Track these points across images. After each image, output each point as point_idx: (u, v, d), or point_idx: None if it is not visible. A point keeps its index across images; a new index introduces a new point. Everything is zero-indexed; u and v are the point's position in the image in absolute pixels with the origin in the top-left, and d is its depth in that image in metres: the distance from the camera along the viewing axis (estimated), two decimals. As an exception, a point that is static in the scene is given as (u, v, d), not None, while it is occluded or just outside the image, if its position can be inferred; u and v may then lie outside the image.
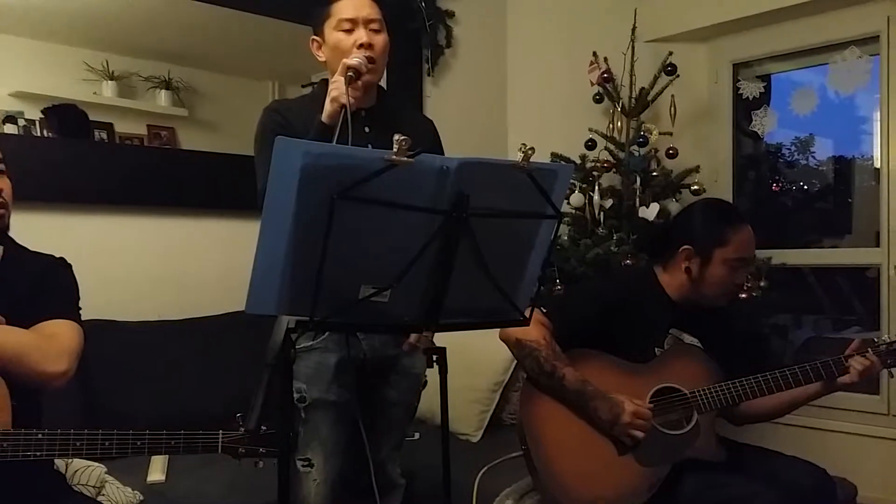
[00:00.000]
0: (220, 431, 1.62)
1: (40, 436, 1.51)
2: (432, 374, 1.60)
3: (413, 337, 1.90)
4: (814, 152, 3.67)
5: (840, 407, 2.52)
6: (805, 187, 3.78)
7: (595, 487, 1.96)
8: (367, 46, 1.87)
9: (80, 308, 1.76)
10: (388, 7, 2.00)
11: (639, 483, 1.95)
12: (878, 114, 3.16)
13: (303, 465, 1.93)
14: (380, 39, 1.91)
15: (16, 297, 1.62)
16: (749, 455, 2.10)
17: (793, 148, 3.70)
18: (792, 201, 3.81)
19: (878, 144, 3.19)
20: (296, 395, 1.89)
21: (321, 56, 1.97)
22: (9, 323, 1.58)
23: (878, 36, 3.12)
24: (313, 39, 1.97)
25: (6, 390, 1.53)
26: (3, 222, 1.65)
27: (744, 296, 2.66)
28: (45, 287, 1.70)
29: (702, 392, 2.02)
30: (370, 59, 1.86)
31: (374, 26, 1.91)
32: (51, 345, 1.60)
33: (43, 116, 2.62)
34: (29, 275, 1.70)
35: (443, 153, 1.96)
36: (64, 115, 2.67)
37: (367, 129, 1.89)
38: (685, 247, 2.08)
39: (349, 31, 1.88)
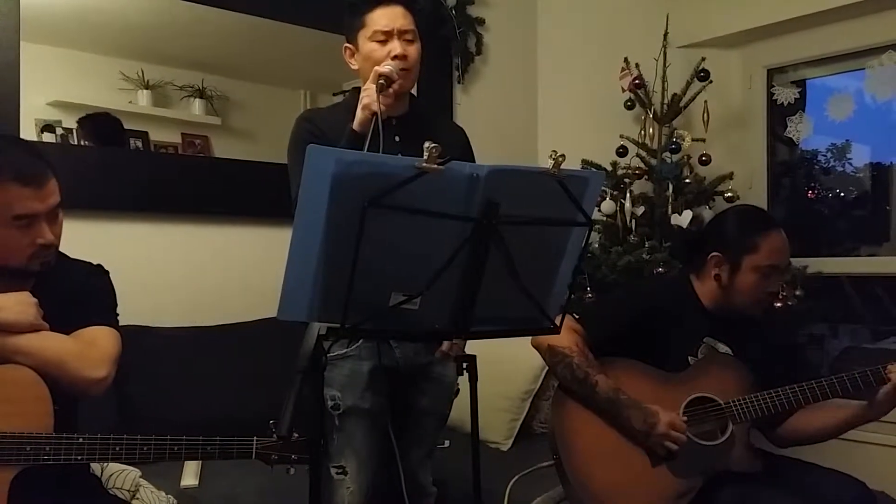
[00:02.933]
0: (255, 438, 1.64)
1: (81, 440, 1.55)
2: (462, 382, 1.60)
3: (445, 345, 1.90)
4: (850, 159, 3.60)
5: (880, 419, 2.45)
6: (842, 194, 3.71)
7: (628, 498, 1.94)
8: (402, 58, 1.88)
9: (117, 314, 1.78)
10: (419, 16, 2.01)
11: (672, 494, 1.93)
12: (917, 119, 3.10)
13: (336, 473, 1.93)
14: (413, 50, 1.92)
15: (57, 305, 1.65)
16: (786, 467, 2.06)
17: (829, 154, 3.64)
18: (828, 209, 3.75)
19: (917, 150, 3.13)
20: (330, 403, 1.90)
21: (354, 64, 1.98)
22: (50, 329, 1.61)
23: (917, 40, 3.06)
24: (346, 47, 1.99)
25: (49, 395, 1.56)
26: (48, 261, 1.68)
27: (779, 304, 2.62)
28: (85, 294, 1.74)
29: (737, 402, 1.99)
30: (404, 70, 1.87)
31: (408, 37, 1.92)
32: (91, 351, 1.63)
33: (79, 126, 2.67)
34: (69, 282, 1.73)
35: (474, 162, 1.96)
36: (99, 124, 2.72)
37: (397, 139, 1.89)
38: (714, 254, 2.05)
39: (383, 42, 1.89)
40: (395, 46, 1.89)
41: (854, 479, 1.99)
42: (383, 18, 1.90)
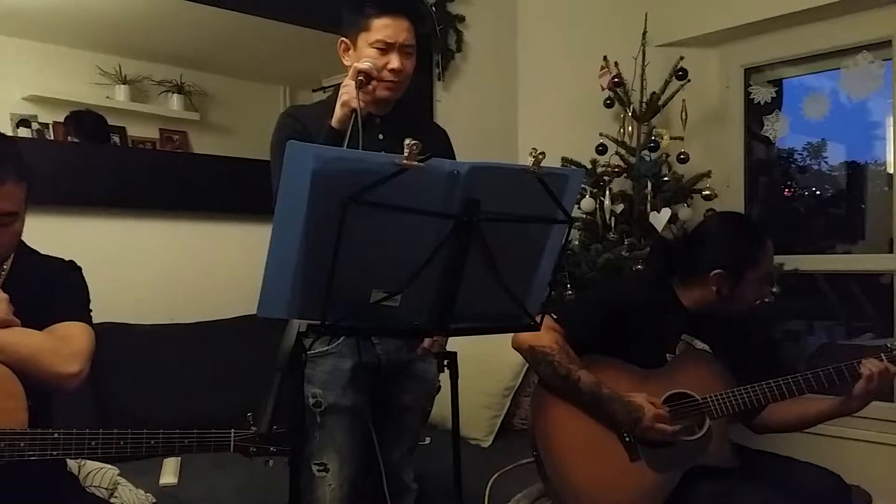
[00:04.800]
0: (233, 431, 1.63)
1: (56, 435, 1.53)
2: (443, 379, 1.60)
3: (426, 342, 1.90)
4: (826, 157, 3.65)
5: (855, 414, 2.49)
6: (817, 193, 3.75)
7: (606, 493, 1.95)
8: (398, 72, 1.88)
9: (90, 310, 1.77)
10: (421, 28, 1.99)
11: (651, 489, 1.94)
12: (891, 119, 3.14)
13: (318, 470, 1.93)
14: (409, 64, 1.92)
15: (29, 300, 1.63)
16: (763, 461, 2.09)
17: (805, 153, 3.68)
18: (804, 207, 3.79)
19: (890, 150, 3.18)
20: (311, 400, 1.90)
21: (347, 60, 1.95)
22: (22, 325, 1.59)
23: (891, 41, 3.10)
24: (342, 42, 1.96)
25: (22, 391, 1.54)
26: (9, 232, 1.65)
27: (757, 302, 2.65)
28: (57, 290, 1.72)
29: (714, 398, 2.01)
30: (395, 83, 1.88)
31: (408, 50, 1.91)
32: (64, 346, 1.62)
33: (63, 122, 2.65)
34: (40, 278, 1.71)
35: (455, 163, 1.97)
36: (86, 121, 2.70)
37: (381, 136, 1.89)
38: (717, 271, 2.06)
39: (383, 52, 1.88)
40: (394, 60, 1.87)
41: (828, 472, 2.03)
42: (389, 29, 1.87)
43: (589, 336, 2.07)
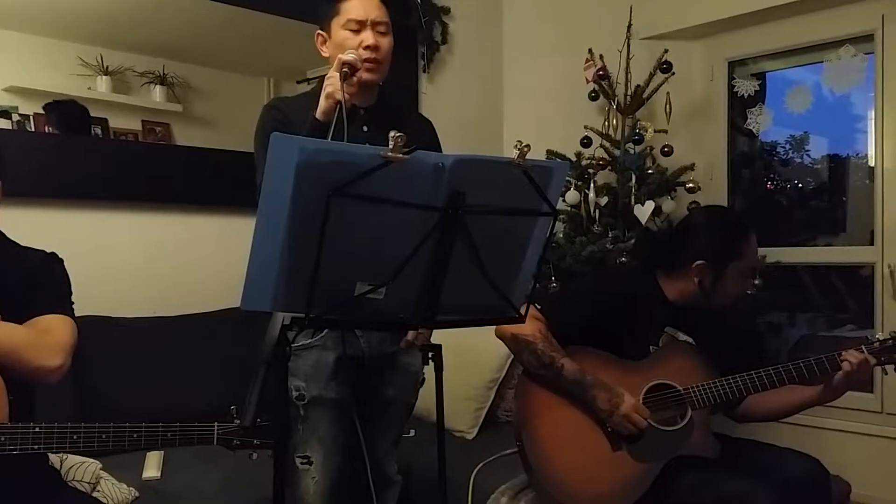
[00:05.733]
0: (216, 424, 1.63)
1: (38, 429, 1.52)
2: (428, 372, 1.60)
3: (411, 334, 1.91)
4: (808, 150, 3.67)
5: (834, 405, 2.53)
6: (800, 185, 3.78)
7: (589, 484, 1.96)
8: (374, 48, 1.87)
9: (72, 302, 1.76)
10: (392, 8, 1.99)
11: (633, 479, 1.96)
12: (873, 112, 3.16)
13: (301, 463, 1.93)
14: (385, 42, 1.91)
15: (9, 293, 1.62)
16: (744, 450, 2.11)
17: (788, 146, 3.71)
18: (787, 199, 3.82)
19: (872, 143, 3.20)
20: (295, 393, 1.89)
21: (325, 52, 1.96)
22: (3, 318, 1.58)
23: (873, 35, 3.12)
24: (318, 34, 1.96)
25: (2, 385, 1.53)
26: None
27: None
28: (38, 282, 1.70)
29: (695, 388, 2.02)
30: (374, 62, 1.86)
31: (381, 29, 1.91)
32: (46, 340, 1.60)
33: (43, 112, 2.61)
34: (21, 270, 1.70)
35: (441, 154, 1.96)
36: (65, 112, 2.67)
37: (365, 128, 1.89)
38: (700, 262, 2.07)
39: (356, 32, 1.88)
40: (368, 37, 1.88)
41: (808, 456, 2.06)
42: (358, 8, 1.89)
43: (572, 327, 2.08)
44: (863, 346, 1.99)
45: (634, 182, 3.21)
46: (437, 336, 1.59)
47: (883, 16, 3.09)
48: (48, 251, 1.78)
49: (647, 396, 2.02)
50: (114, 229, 2.73)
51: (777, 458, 2.06)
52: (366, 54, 1.86)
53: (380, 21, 1.90)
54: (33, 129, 2.61)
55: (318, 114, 1.78)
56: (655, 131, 3.32)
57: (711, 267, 2.07)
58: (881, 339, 2.00)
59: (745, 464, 2.02)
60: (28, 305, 1.64)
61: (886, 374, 2.10)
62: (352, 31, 1.88)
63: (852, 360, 1.96)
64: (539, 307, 2.08)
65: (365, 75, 1.87)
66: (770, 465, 2.02)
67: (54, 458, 1.91)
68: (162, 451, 2.24)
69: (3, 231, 1.74)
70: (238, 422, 1.62)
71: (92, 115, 2.74)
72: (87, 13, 2.71)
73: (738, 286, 2.11)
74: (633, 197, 3.20)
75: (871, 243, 3.17)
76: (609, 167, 3.31)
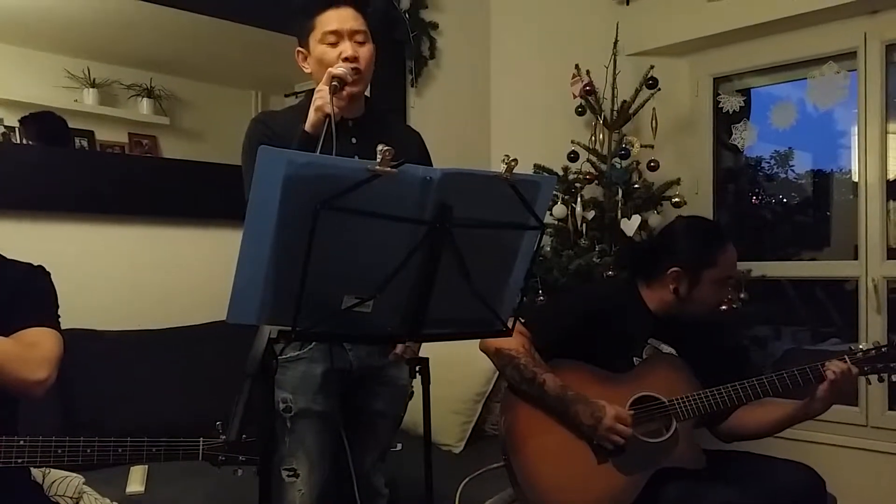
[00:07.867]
0: (202, 439, 1.62)
1: (22, 442, 1.51)
2: (415, 385, 1.60)
3: (399, 348, 1.90)
4: (793, 166, 3.71)
5: (820, 418, 2.55)
6: (784, 200, 3.82)
7: (574, 497, 1.96)
8: (353, 59, 1.88)
9: (59, 315, 1.74)
10: (372, 18, 2.00)
11: (618, 491, 1.96)
12: (856, 128, 3.20)
13: (288, 475, 1.91)
14: (365, 51, 1.92)
15: (-5, 306, 1.61)
16: (730, 460, 2.12)
17: (772, 161, 3.74)
18: (771, 214, 3.85)
19: (855, 158, 3.23)
20: (281, 405, 1.88)
21: (307, 68, 1.97)
22: (-13, 331, 1.57)
23: (856, 52, 3.16)
24: (298, 51, 1.98)
25: (-15, 399, 1.52)
26: None
27: (724, 308, 2.68)
28: (24, 295, 1.69)
29: (680, 400, 2.03)
30: (356, 71, 1.86)
31: (359, 38, 1.91)
32: (31, 353, 1.59)
33: (20, 123, 2.59)
34: (7, 283, 1.68)
35: (430, 165, 1.97)
36: (42, 124, 2.64)
37: (353, 140, 1.89)
38: (674, 269, 2.09)
39: (334, 44, 1.89)
40: (346, 48, 1.88)
41: (802, 465, 2.06)
42: (333, 19, 1.89)
43: (556, 340, 2.09)
44: (846, 357, 2.00)
45: (621, 196, 3.23)
46: (425, 349, 1.59)
47: (865, 33, 3.13)
48: (35, 264, 1.77)
49: (632, 408, 2.02)
50: (100, 242, 2.71)
51: (771, 466, 2.07)
52: (347, 66, 1.86)
53: (357, 30, 1.91)
54: (18, 142, 2.60)
55: (308, 126, 1.78)
56: (642, 146, 3.34)
57: (685, 274, 2.09)
58: (864, 349, 2.02)
59: (736, 474, 2.03)
60: (14, 318, 1.63)
61: (871, 384, 2.11)
62: (329, 44, 1.89)
63: (836, 370, 1.97)
64: (523, 321, 2.08)
65: (348, 88, 1.87)
66: (761, 473, 2.03)
67: (37, 473, 1.89)
68: (146, 466, 2.22)
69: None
70: (223, 437, 1.61)
71: (78, 127, 2.73)
72: (73, 26, 2.71)
73: (714, 295, 2.12)
74: (619, 211, 3.21)
75: (855, 257, 3.20)
76: (596, 181, 3.33)
